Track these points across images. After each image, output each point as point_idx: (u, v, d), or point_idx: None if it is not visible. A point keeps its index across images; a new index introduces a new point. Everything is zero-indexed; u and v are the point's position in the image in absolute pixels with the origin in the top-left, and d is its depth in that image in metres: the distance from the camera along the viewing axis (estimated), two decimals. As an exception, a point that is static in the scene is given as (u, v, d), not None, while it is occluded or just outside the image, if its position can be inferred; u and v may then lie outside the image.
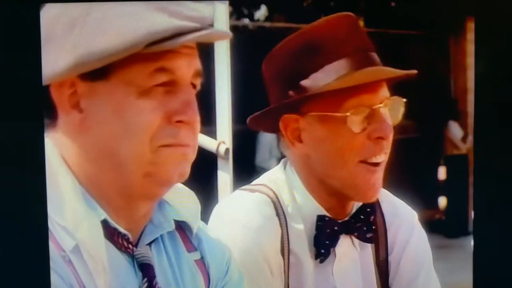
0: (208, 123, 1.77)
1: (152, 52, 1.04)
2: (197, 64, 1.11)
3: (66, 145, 1.11)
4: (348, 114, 1.28)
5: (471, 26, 1.36)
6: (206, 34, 1.07)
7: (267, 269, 1.32)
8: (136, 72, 1.05)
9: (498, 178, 1.36)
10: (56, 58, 1.06)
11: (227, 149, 1.83)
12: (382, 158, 1.32)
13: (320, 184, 1.36)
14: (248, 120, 1.40)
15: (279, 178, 1.38)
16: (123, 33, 1.03)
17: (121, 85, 1.06)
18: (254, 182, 1.41)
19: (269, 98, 1.39)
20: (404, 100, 1.34)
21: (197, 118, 1.10)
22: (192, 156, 1.12)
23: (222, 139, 1.83)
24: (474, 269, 1.36)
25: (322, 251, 1.34)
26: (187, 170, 1.12)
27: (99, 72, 1.05)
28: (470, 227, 1.41)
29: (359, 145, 1.30)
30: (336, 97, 1.29)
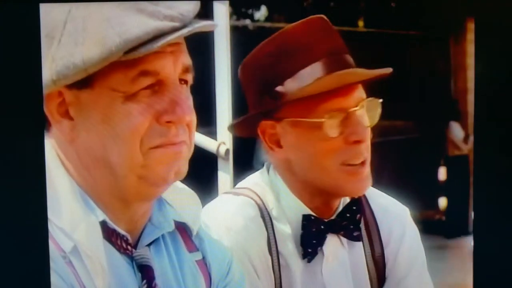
0: (209, 124, 1.77)
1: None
2: (184, 60, 1.09)
3: (61, 151, 1.11)
4: (323, 119, 1.28)
5: (471, 26, 1.36)
6: (187, 32, 1.05)
7: (252, 270, 1.32)
8: (119, 78, 1.04)
9: (498, 178, 1.36)
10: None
11: (227, 150, 1.83)
12: (361, 159, 1.31)
13: (303, 186, 1.36)
14: (228, 129, 1.41)
15: (263, 181, 1.39)
16: (99, 42, 1.01)
17: (106, 92, 1.04)
18: (238, 185, 1.42)
19: (247, 103, 1.39)
20: (380, 100, 1.34)
21: (188, 116, 1.08)
22: (188, 153, 1.11)
23: (223, 140, 1.83)
24: (474, 269, 1.36)
25: (309, 250, 1.34)
26: (184, 168, 1.11)
27: (83, 81, 1.04)
28: (471, 228, 1.41)
29: (336, 149, 1.30)
30: (310, 102, 1.29)
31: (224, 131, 1.81)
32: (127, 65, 1.03)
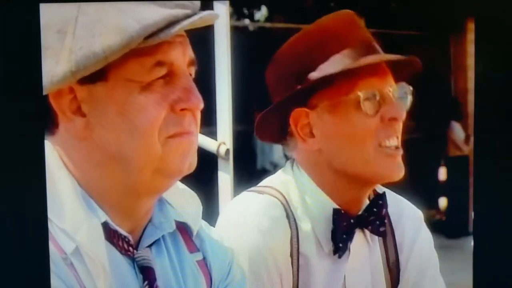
0: (209, 124, 1.77)
1: (148, 46, 1.04)
2: (190, 52, 1.11)
3: (66, 151, 1.10)
4: (359, 93, 1.30)
5: (471, 26, 1.36)
6: (199, 19, 1.06)
7: (276, 272, 1.32)
8: (135, 68, 1.05)
9: (498, 178, 1.36)
10: (53, 67, 1.05)
11: (227, 150, 1.83)
12: (396, 141, 1.32)
13: (337, 178, 1.35)
14: (256, 124, 1.39)
15: (287, 179, 1.38)
16: (118, 30, 1.02)
17: (121, 83, 1.05)
18: (262, 183, 1.41)
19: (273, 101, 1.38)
20: (411, 88, 1.36)
21: (201, 103, 1.10)
22: (196, 144, 1.12)
23: (223, 140, 1.83)
24: (474, 269, 1.36)
25: (340, 245, 1.33)
26: (195, 160, 1.12)
27: (98, 74, 1.04)
28: (471, 228, 1.41)
29: (373, 129, 1.31)
30: (344, 84, 1.31)
31: (224, 131, 1.81)
32: (142, 54, 1.04)
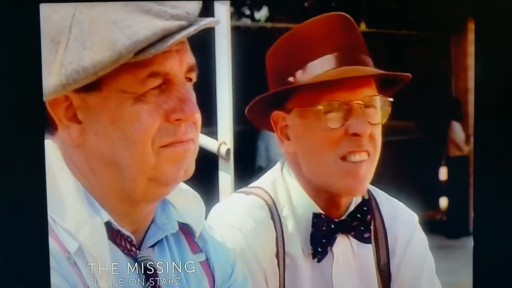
0: (209, 124, 1.77)
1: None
2: (189, 58, 1.09)
3: (66, 152, 1.10)
4: (320, 107, 1.29)
5: (472, 27, 1.36)
6: (194, 30, 1.05)
7: (260, 273, 1.32)
8: (129, 80, 1.04)
9: (498, 178, 1.36)
10: (44, 78, 1.05)
11: (228, 150, 1.83)
12: (363, 157, 1.31)
13: (309, 182, 1.36)
14: (246, 113, 1.39)
15: (276, 179, 1.39)
16: (109, 46, 1.01)
17: (114, 94, 1.04)
18: (252, 184, 1.41)
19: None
20: (390, 99, 1.33)
21: (196, 113, 1.09)
22: (195, 150, 1.11)
23: (223, 140, 1.83)
24: (474, 269, 1.36)
25: (319, 249, 1.34)
26: (192, 166, 1.12)
27: (91, 84, 1.04)
28: (471, 228, 1.41)
29: (336, 141, 1.30)
30: (316, 92, 1.30)
31: (225, 131, 1.81)
32: (136, 66, 1.03)
